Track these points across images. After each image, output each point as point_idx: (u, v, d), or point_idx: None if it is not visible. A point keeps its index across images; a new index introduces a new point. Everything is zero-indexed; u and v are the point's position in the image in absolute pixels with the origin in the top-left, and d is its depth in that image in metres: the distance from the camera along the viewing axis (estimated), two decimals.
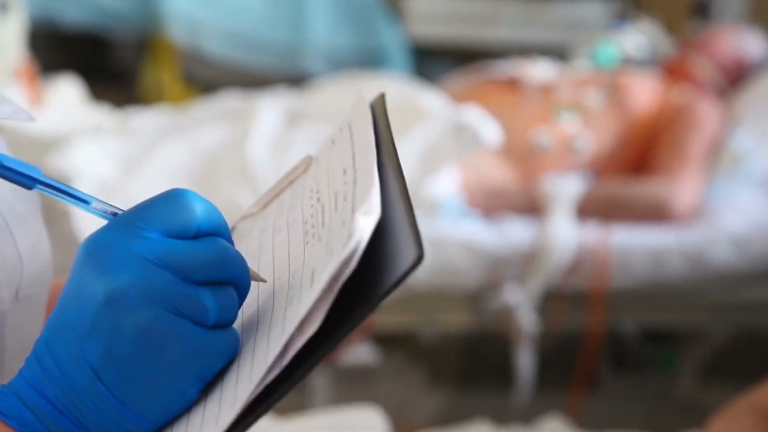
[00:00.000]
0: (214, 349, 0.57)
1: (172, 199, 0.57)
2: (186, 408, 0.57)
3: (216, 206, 0.60)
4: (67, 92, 2.61)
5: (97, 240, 0.56)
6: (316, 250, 0.60)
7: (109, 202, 0.60)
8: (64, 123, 2.39)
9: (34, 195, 0.72)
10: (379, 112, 0.66)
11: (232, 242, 0.60)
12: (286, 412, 1.53)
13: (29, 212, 0.70)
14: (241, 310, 0.61)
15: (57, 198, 0.60)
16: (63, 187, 0.60)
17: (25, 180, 0.59)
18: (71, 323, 0.56)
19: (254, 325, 0.60)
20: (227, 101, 2.57)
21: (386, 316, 2.20)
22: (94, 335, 0.55)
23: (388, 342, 2.37)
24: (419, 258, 0.52)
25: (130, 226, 0.56)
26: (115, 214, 0.60)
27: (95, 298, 0.55)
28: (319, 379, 2.25)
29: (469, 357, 2.60)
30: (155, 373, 0.56)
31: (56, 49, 3.59)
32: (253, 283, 0.64)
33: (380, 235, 0.55)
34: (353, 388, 2.33)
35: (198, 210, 0.58)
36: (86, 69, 3.12)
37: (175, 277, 0.56)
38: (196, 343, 0.56)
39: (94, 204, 0.60)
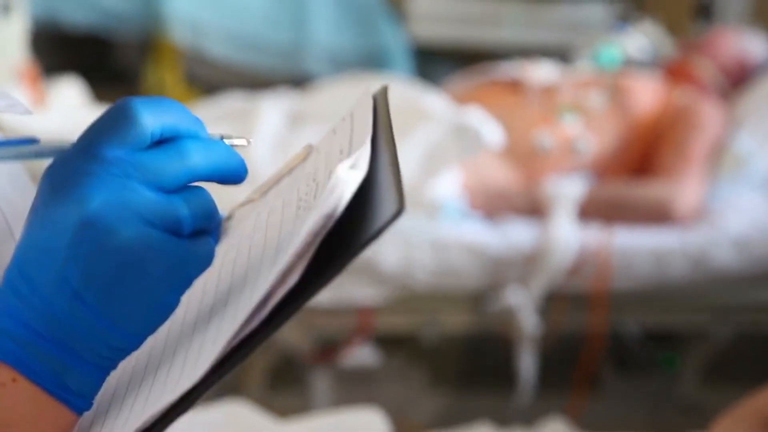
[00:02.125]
0: (192, 258, 0.57)
1: (118, 113, 0.57)
2: (167, 317, 0.57)
3: (171, 99, 0.59)
4: (70, 93, 2.61)
5: (58, 168, 0.56)
6: (306, 218, 0.61)
7: (56, 139, 0.59)
8: (66, 124, 2.39)
9: (33, 193, 0.72)
10: (380, 101, 0.67)
11: (198, 130, 0.59)
12: (286, 413, 1.53)
13: (28, 206, 0.70)
14: (232, 269, 0.61)
15: (11, 159, 0.59)
16: (7, 141, 0.59)
17: None
18: (47, 249, 0.55)
19: (244, 285, 0.60)
20: (230, 102, 2.58)
21: (388, 317, 2.21)
22: (73, 258, 0.55)
23: (389, 343, 2.37)
24: (399, 210, 0.52)
25: (87, 150, 0.56)
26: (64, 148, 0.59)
27: (70, 224, 0.55)
28: (320, 381, 2.25)
29: (471, 358, 2.61)
30: (136, 287, 0.55)
31: (59, 51, 3.59)
32: (246, 252, 0.64)
33: (365, 193, 0.55)
34: (354, 389, 2.33)
35: (146, 118, 0.57)
36: (89, 70, 3.12)
37: (146, 190, 0.55)
38: (174, 254, 0.56)
39: (42, 143, 0.59)
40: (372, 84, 0.70)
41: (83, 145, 0.57)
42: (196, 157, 0.58)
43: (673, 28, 3.22)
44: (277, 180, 0.73)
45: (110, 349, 0.57)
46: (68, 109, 2.54)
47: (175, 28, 3.45)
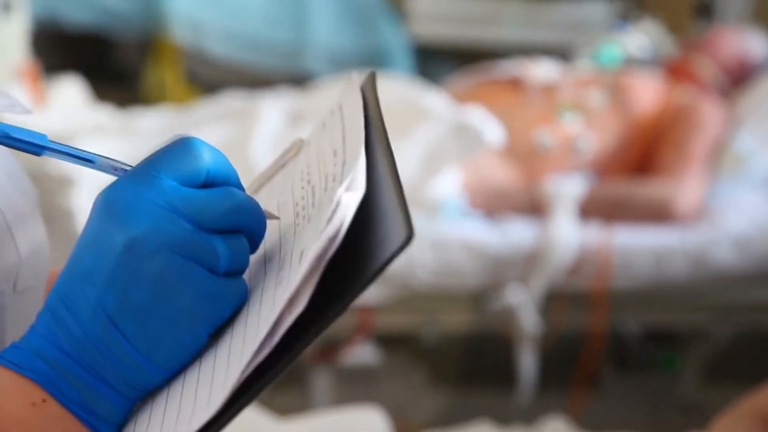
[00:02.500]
0: (225, 296, 0.58)
1: (182, 146, 0.59)
2: (196, 351, 0.58)
3: (223, 154, 0.61)
4: (70, 92, 2.61)
5: (114, 191, 0.58)
6: (305, 231, 0.61)
7: (114, 158, 0.62)
8: (66, 123, 2.39)
9: (32, 192, 0.73)
10: (368, 93, 0.66)
11: (242, 188, 0.61)
12: (286, 412, 1.53)
13: (28, 209, 0.70)
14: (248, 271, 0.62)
15: (65, 160, 0.62)
16: (69, 150, 0.62)
17: (33, 148, 0.61)
18: (88, 273, 0.57)
19: (246, 304, 0.60)
20: (230, 101, 2.58)
21: (388, 316, 2.21)
22: (111, 283, 0.56)
23: (389, 342, 2.37)
24: (409, 238, 0.52)
25: (145, 175, 0.58)
26: (122, 171, 0.61)
27: (114, 247, 0.56)
28: (320, 380, 2.25)
29: (471, 357, 2.61)
30: (169, 318, 0.57)
31: (59, 50, 3.59)
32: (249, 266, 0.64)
33: (370, 214, 0.55)
34: (355, 388, 2.33)
35: (206, 157, 0.59)
36: (89, 69, 3.12)
37: (190, 225, 0.57)
38: (208, 289, 0.57)
39: (100, 162, 0.61)
40: (358, 74, 0.70)
41: (143, 170, 0.58)
42: (241, 205, 0.59)
43: (674, 26, 3.22)
44: (269, 176, 0.72)
45: (138, 379, 0.58)
46: (68, 108, 2.54)
47: (175, 28, 3.45)
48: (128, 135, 2.40)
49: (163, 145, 0.60)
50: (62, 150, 0.61)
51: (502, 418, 1.78)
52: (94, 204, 0.58)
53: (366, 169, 0.57)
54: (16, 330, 0.67)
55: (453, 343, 2.54)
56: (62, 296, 0.58)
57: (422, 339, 2.29)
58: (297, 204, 0.65)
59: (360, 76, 0.69)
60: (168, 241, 0.56)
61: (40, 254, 0.70)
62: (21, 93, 2.38)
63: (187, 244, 0.57)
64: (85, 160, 0.61)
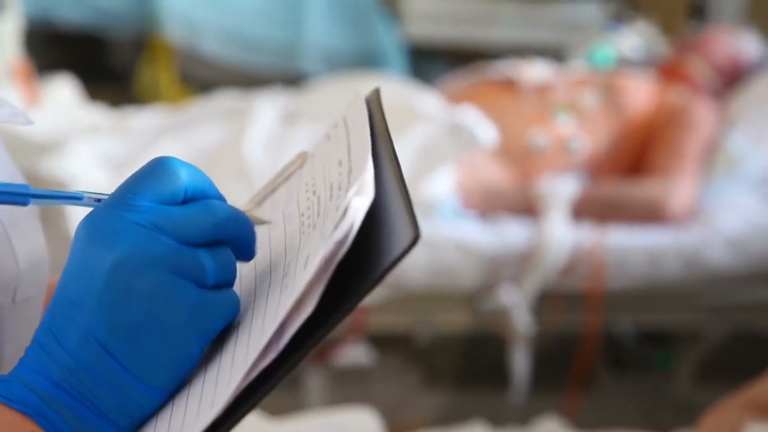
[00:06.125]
0: (216, 308, 0.58)
1: (156, 168, 0.59)
2: (191, 370, 0.58)
3: (199, 168, 0.62)
4: (64, 92, 2.60)
5: (93, 218, 0.58)
6: (311, 239, 0.61)
7: (99, 192, 0.62)
8: (60, 123, 2.38)
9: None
10: (374, 106, 0.67)
11: (223, 199, 0.61)
12: (279, 412, 1.53)
13: (26, 215, 0.70)
14: (239, 282, 0.62)
15: (53, 203, 0.62)
16: (54, 194, 0.62)
17: (19, 199, 0.60)
18: (75, 300, 0.57)
19: (250, 311, 0.60)
20: (224, 101, 2.57)
21: (382, 316, 2.20)
22: (100, 307, 0.56)
23: (383, 342, 2.37)
24: (415, 239, 0.52)
25: (122, 200, 0.58)
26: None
27: (100, 271, 0.56)
28: (313, 380, 2.24)
29: (465, 358, 2.61)
30: (161, 336, 0.56)
31: (53, 49, 3.58)
32: (252, 272, 0.64)
33: (376, 219, 0.55)
34: (348, 388, 2.33)
35: (182, 175, 0.59)
36: (83, 68, 3.11)
37: (173, 241, 0.57)
38: (198, 303, 0.57)
39: (86, 198, 0.61)
40: (363, 88, 0.70)
41: (120, 194, 0.58)
42: (222, 217, 0.59)
43: (667, 27, 3.22)
44: (273, 189, 0.72)
45: (133, 404, 0.58)
46: (62, 108, 2.53)
47: (169, 27, 3.44)
48: (122, 134, 2.40)
49: (141, 168, 0.60)
50: (48, 195, 0.61)
51: (496, 419, 1.78)
52: (76, 233, 0.58)
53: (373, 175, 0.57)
54: (16, 342, 0.67)
55: (447, 344, 2.54)
56: (50, 327, 0.57)
57: (416, 339, 2.29)
58: (303, 214, 0.65)
59: (365, 89, 0.70)
60: (154, 258, 0.56)
61: (39, 263, 0.70)
62: (14, 92, 2.38)
63: (174, 260, 0.57)
64: (72, 198, 0.61)
